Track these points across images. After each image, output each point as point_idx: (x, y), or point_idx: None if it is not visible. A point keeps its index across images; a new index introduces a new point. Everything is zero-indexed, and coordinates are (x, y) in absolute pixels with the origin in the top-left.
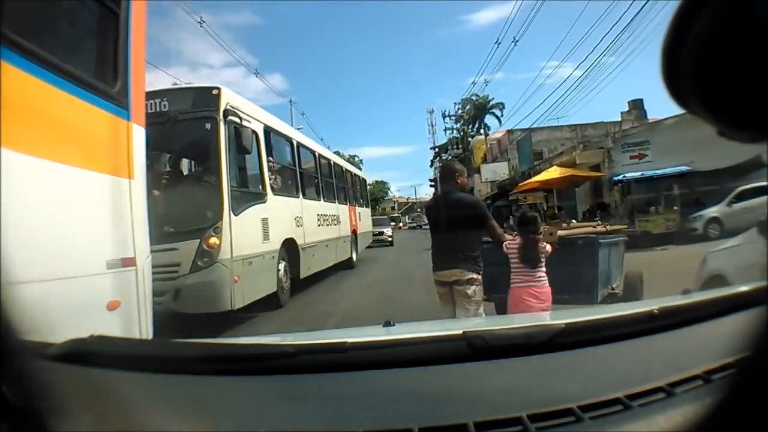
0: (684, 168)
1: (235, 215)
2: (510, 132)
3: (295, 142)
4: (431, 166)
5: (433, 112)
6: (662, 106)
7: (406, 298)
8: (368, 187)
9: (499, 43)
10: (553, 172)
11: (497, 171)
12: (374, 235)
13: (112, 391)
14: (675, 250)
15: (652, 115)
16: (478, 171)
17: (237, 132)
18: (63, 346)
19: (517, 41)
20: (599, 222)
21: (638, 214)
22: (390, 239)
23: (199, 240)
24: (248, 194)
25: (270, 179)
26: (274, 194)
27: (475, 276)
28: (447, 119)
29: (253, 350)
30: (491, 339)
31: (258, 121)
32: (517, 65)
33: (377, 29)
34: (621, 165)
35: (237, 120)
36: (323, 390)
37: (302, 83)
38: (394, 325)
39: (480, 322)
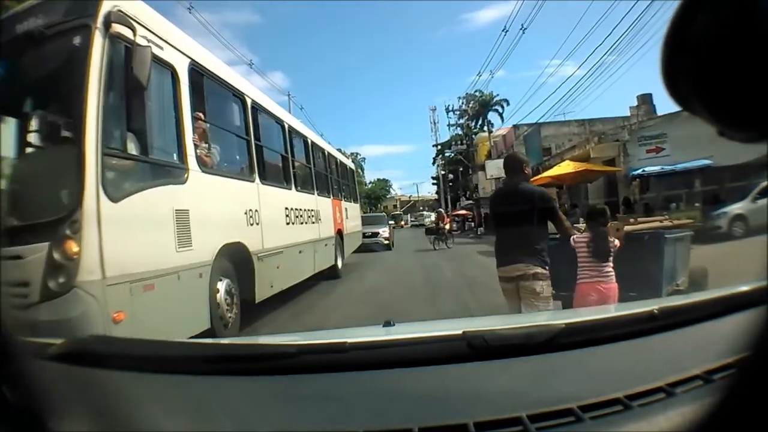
0: (705, 162)
1: (113, 200)
2: (516, 127)
3: (249, 101)
4: (434, 163)
5: (435, 109)
6: None
7: (409, 317)
8: (369, 185)
9: (507, 31)
10: (566, 167)
11: (503, 167)
12: (366, 236)
13: (112, 391)
14: (700, 249)
15: (662, 109)
16: (482, 168)
17: (129, 56)
18: (63, 346)
19: (525, 29)
20: (666, 216)
21: (657, 211)
22: (387, 242)
23: (48, 243)
24: (147, 166)
25: (199, 148)
26: (204, 171)
27: (540, 270)
28: (450, 114)
29: (253, 350)
30: (491, 339)
31: (179, 51)
32: (518, 63)
33: (378, 27)
34: (637, 159)
35: (129, 36)
36: (323, 390)
37: (303, 81)
38: (394, 325)
39: (480, 321)
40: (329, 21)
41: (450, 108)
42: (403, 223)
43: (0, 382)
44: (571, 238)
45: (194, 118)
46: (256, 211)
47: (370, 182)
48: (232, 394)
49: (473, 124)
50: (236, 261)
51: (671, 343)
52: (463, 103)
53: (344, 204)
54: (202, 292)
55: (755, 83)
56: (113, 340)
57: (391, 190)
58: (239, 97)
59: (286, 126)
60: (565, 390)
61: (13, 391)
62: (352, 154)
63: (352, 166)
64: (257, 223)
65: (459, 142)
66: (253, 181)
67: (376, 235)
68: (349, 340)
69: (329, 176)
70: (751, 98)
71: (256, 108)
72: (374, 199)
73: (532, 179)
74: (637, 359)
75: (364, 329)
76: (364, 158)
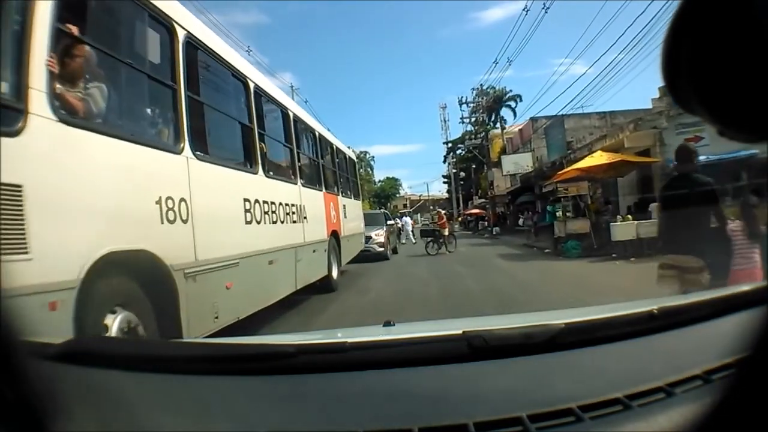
0: (751, 152)
1: None
2: (534, 120)
3: (180, 33)
4: (444, 161)
5: (445, 107)
6: None
7: None
8: (379, 184)
9: (528, 11)
10: (598, 158)
11: (520, 163)
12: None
13: (112, 391)
14: None
15: None
16: (497, 164)
17: None
18: (63, 346)
19: (548, 9)
20: None
21: None
22: (381, 249)
23: None
24: None
25: (64, 83)
26: (69, 121)
27: (705, 263)
28: (464, 106)
29: (253, 350)
30: (491, 339)
31: None
32: (528, 62)
33: (386, 27)
34: (674, 149)
35: None
36: (323, 390)
37: (313, 82)
38: (394, 325)
39: (480, 321)
40: (337, 21)
41: (464, 100)
42: (413, 222)
43: (0, 382)
44: (727, 227)
45: (59, 34)
46: (183, 200)
47: (380, 181)
48: (232, 394)
49: (486, 118)
50: (144, 280)
51: (671, 343)
52: (477, 95)
53: (342, 200)
54: (58, 333)
55: (754, 83)
56: (113, 340)
57: (400, 189)
58: (162, 22)
59: (251, 85)
60: (565, 390)
61: (13, 391)
62: (361, 152)
63: (353, 156)
64: (185, 220)
65: (473, 137)
66: (178, 153)
67: (367, 239)
68: (349, 340)
69: (321, 164)
70: (751, 98)
71: (193, 44)
72: (383, 198)
73: (561, 172)
74: (636, 359)
75: (364, 329)
76: (374, 157)
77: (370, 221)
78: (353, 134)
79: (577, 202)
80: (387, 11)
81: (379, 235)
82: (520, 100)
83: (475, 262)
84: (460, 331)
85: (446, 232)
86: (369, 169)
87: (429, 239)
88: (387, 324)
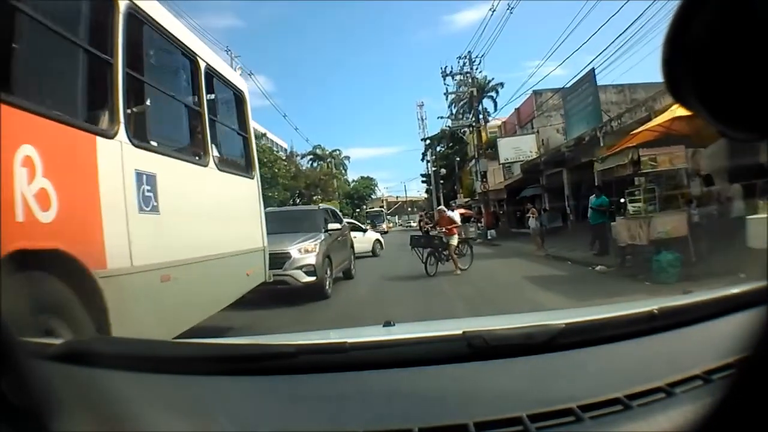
0: None
1: None
2: (537, 94)
3: None
4: (422, 159)
5: (422, 105)
6: None
7: None
8: (353, 183)
9: None
10: None
11: (521, 147)
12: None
13: (112, 391)
14: None
15: None
16: (486, 154)
17: None
18: (63, 346)
19: None
20: None
21: None
22: (311, 279)
23: None
24: None
25: None
26: None
27: None
28: (449, 78)
29: (253, 350)
30: (491, 339)
31: None
32: (501, 64)
33: (361, 30)
34: None
35: None
36: (323, 390)
37: (288, 86)
38: (394, 325)
39: (480, 321)
40: (312, 25)
41: (449, 72)
42: (386, 226)
43: (0, 382)
44: None
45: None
46: None
47: (353, 180)
48: (232, 394)
49: (476, 92)
50: None
51: (671, 343)
52: (465, 64)
53: (148, 158)
54: None
55: (755, 84)
56: (113, 340)
57: (377, 189)
58: None
59: None
60: (565, 390)
61: (13, 391)
62: (333, 151)
63: (240, 84)
64: None
65: (461, 116)
66: None
67: (282, 260)
68: (349, 340)
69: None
70: (752, 99)
71: None
72: (357, 198)
73: (632, 132)
74: (636, 359)
75: (364, 329)
76: (348, 157)
77: (289, 225)
78: (330, 138)
79: (649, 187)
80: (361, 14)
81: (307, 251)
82: (502, 87)
83: (493, 294)
84: (460, 331)
85: (454, 241)
86: (342, 169)
87: (427, 251)
88: (387, 324)
